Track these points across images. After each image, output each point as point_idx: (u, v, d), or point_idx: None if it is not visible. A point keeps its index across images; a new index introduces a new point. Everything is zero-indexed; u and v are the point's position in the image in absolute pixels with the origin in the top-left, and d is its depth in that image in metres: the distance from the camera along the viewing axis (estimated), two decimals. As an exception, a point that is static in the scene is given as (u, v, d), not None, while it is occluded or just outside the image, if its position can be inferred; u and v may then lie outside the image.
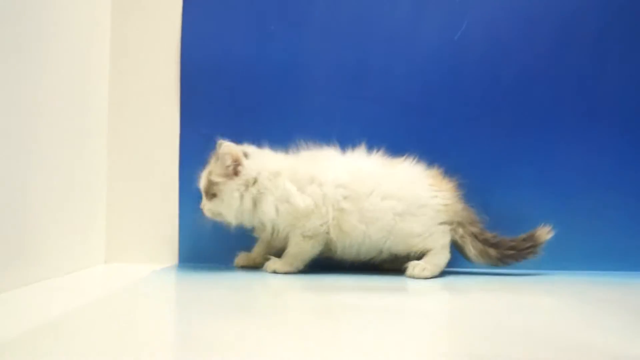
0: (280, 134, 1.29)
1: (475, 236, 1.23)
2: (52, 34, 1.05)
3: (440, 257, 1.20)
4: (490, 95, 1.38)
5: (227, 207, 1.19)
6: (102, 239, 1.33)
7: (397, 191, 1.20)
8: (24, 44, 0.94)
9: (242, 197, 1.19)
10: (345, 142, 1.28)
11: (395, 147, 1.29)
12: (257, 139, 1.27)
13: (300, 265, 1.21)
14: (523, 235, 1.24)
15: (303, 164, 1.22)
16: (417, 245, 1.20)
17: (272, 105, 1.36)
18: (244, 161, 1.19)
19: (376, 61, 1.37)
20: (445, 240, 1.21)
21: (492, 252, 1.22)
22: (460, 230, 1.23)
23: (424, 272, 1.17)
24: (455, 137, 1.37)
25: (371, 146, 1.27)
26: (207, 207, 1.20)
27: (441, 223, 1.22)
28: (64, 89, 1.11)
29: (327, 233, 1.20)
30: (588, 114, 1.37)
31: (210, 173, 1.20)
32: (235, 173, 1.19)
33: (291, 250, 1.21)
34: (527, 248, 1.23)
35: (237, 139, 1.23)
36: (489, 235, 1.24)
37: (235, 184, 1.18)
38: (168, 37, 1.37)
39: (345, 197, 1.19)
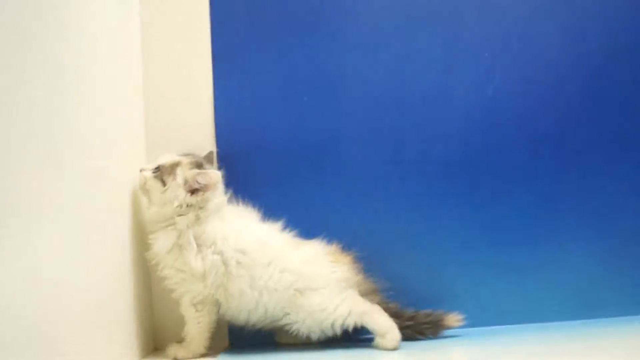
0: (321, 200, 1.32)
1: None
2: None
3: (380, 316, 1.19)
4: (526, 145, 1.37)
5: (160, 198, 1.17)
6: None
7: (296, 267, 1.19)
8: None
9: (177, 207, 1.16)
10: (388, 205, 1.29)
11: (437, 204, 1.32)
12: (298, 208, 1.29)
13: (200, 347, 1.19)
14: (427, 311, 1.24)
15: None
16: (327, 319, 1.18)
17: (312, 173, 1.35)
18: (211, 196, 1.18)
19: (412, 122, 1.36)
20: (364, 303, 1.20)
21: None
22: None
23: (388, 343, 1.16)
24: (494, 190, 1.36)
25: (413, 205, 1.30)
26: (148, 175, 1.18)
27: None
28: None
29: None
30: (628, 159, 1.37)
31: (182, 168, 1.18)
32: (193, 192, 1.17)
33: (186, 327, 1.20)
34: (427, 324, 1.23)
35: (279, 209, 1.24)
36: (391, 305, 1.24)
37: (185, 197, 1.16)
38: (202, 111, 1.37)
39: (238, 263, 1.17)
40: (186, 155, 1.22)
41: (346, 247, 1.26)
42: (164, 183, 1.17)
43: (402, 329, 1.19)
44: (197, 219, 1.17)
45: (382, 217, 1.34)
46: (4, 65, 0.69)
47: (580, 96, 1.37)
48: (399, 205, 1.34)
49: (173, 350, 1.19)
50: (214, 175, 1.18)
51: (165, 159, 1.20)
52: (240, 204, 1.25)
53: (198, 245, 1.16)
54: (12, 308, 0.67)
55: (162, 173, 1.18)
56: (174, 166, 1.19)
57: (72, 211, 0.88)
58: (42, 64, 0.80)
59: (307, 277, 1.18)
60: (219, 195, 1.21)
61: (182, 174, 1.18)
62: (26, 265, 0.71)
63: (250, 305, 1.17)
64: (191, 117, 1.36)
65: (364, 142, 1.36)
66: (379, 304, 1.21)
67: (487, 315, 1.32)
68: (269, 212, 1.25)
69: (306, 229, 1.26)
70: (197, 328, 1.18)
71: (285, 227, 1.24)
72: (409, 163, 1.35)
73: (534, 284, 1.33)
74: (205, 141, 1.35)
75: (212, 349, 1.21)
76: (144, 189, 1.19)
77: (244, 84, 1.36)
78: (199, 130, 1.36)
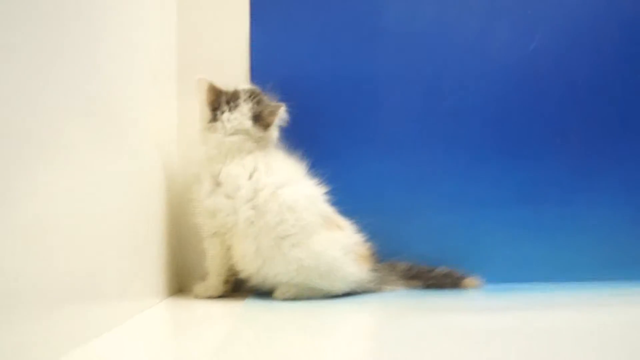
0: (357, 151, 1.29)
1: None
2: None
3: None
4: (564, 103, 1.35)
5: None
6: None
7: (317, 251, 1.12)
8: None
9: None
10: (420, 159, 1.28)
11: (473, 161, 1.31)
12: (334, 157, 1.26)
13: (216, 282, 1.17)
14: (446, 271, 1.25)
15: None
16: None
17: (348, 122, 1.33)
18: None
19: (451, 73, 1.34)
20: None
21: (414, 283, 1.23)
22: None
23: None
24: (532, 145, 1.34)
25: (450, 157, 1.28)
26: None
27: None
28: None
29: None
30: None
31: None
32: (264, 125, 1.17)
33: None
34: (447, 282, 1.24)
35: (314, 158, 1.21)
36: (413, 267, 1.24)
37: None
38: (236, 58, 1.34)
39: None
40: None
41: (374, 194, 1.27)
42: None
43: (426, 284, 1.23)
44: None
45: (414, 167, 1.32)
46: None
47: (622, 55, 1.35)
48: (432, 157, 1.32)
49: (196, 287, 1.19)
50: (283, 110, 1.18)
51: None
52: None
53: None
54: (56, 252, 0.66)
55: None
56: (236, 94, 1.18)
57: (111, 157, 0.87)
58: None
59: (323, 264, 1.12)
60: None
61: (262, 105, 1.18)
62: (70, 211, 0.70)
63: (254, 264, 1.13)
64: (227, 58, 1.34)
65: (401, 90, 1.34)
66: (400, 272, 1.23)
67: (518, 272, 1.30)
68: (301, 152, 1.22)
69: (336, 173, 1.22)
70: (211, 263, 1.17)
71: (313, 172, 1.21)
72: (445, 115, 1.33)
73: (566, 243, 1.32)
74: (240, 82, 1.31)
75: (240, 293, 1.20)
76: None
77: (281, 25, 1.34)
78: (234, 70, 1.33)
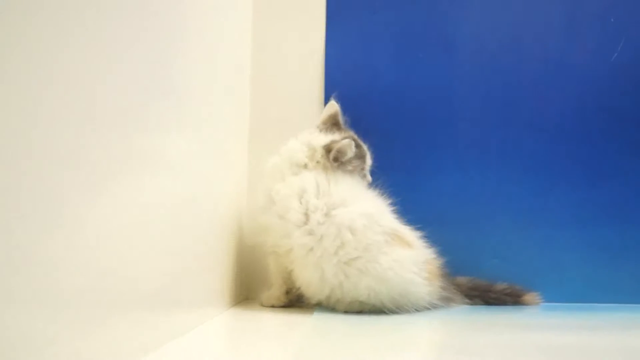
0: (432, 164, 1.27)
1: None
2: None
3: None
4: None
5: None
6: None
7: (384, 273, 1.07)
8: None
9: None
10: (501, 172, 1.25)
11: (551, 174, 1.27)
12: (407, 170, 1.24)
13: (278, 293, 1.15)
14: (507, 288, 1.22)
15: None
16: None
17: (422, 135, 1.31)
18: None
19: (528, 86, 1.30)
20: None
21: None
22: None
23: None
24: (613, 162, 1.28)
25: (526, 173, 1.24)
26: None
27: None
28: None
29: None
30: None
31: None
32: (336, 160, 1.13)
33: None
34: (508, 297, 1.22)
35: (386, 169, 1.20)
36: (478, 283, 1.22)
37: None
38: (312, 65, 1.35)
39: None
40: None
41: (448, 208, 1.25)
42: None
43: (487, 300, 1.21)
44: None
45: (491, 182, 1.29)
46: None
47: None
48: (509, 171, 1.29)
49: (261, 296, 1.20)
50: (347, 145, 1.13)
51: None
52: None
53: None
54: (122, 262, 0.65)
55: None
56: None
57: (192, 172, 0.88)
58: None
59: (395, 287, 1.07)
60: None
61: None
62: (136, 221, 0.69)
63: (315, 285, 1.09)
64: (301, 71, 1.35)
65: (477, 103, 1.31)
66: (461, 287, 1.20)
67: (595, 293, 1.25)
68: (373, 170, 1.21)
69: (412, 189, 1.22)
70: (272, 275, 1.16)
71: (388, 188, 1.18)
72: (522, 127, 1.30)
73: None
74: (313, 95, 1.34)
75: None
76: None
77: (357, 39, 1.34)
78: (307, 85, 1.34)
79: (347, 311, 1.09)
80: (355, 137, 1.18)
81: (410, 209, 1.17)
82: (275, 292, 1.17)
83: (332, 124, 1.18)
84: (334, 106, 1.20)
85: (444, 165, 1.29)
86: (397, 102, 1.32)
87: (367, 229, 1.06)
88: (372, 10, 1.32)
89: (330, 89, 1.29)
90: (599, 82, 1.29)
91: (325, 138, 1.15)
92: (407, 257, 1.09)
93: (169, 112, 0.79)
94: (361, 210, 1.08)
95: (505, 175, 1.28)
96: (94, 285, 0.57)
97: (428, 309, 1.13)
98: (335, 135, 1.16)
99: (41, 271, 0.48)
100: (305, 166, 1.13)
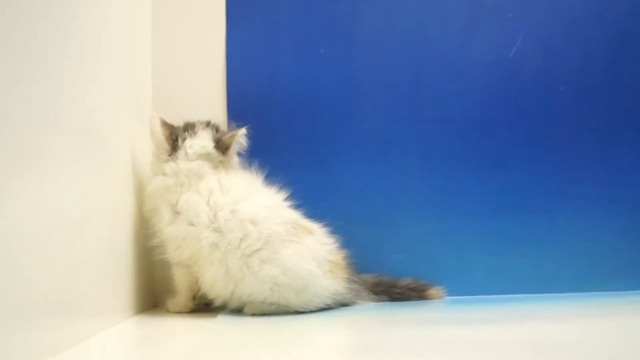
0: (335, 160, 1.27)
1: None
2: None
3: None
4: (547, 111, 1.32)
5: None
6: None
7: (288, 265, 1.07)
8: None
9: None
10: (403, 165, 1.25)
11: (454, 167, 1.28)
12: (311, 164, 1.24)
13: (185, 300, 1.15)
14: (410, 282, 1.23)
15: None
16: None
17: (326, 129, 1.31)
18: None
19: (430, 80, 1.32)
20: None
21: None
22: None
23: None
24: (513, 154, 1.31)
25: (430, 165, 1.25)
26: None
27: None
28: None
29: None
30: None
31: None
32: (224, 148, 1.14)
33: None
34: (412, 292, 1.23)
35: (290, 165, 1.20)
36: (383, 280, 1.23)
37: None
38: (213, 67, 1.33)
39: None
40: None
41: (352, 204, 1.26)
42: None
43: (392, 296, 1.22)
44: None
45: (395, 176, 1.29)
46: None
47: (603, 61, 1.33)
48: (413, 165, 1.30)
49: (167, 303, 1.18)
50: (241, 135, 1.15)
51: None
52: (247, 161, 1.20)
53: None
54: (25, 265, 0.65)
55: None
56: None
57: (87, 174, 0.87)
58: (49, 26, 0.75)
59: (298, 279, 1.07)
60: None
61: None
62: (46, 224, 0.70)
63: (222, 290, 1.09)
64: (202, 70, 1.33)
65: (380, 99, 1.32)
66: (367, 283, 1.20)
67: (499, 284, 1.28)
68: (277, 167, 1.18)
69: (316, 185, 1.22)
70: (178, 284, 1.15)
71: (292, 185, 1.17)
72: (425, 121, 1.31)
73: (545, 254, 1.29)
74: (216, 95, 1.31)
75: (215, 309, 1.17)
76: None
77: (258, 36, 1.32)
78: (209, 84, 1.32)
79: (254, 314, 1.08)
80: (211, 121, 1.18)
81: (315, 206, 1.17)
82: (181, 298, 1.16)
83: (172, 131, 1.15)
84: (154, 117, 1.15)
85: (347, 160, 1.29)
86: (300, 99, 1.31)
87: (268, 220, 1.08)
88: (272, 7, 1.31)
89: (233, 89, 1.28)
90: (499, 75, 1.32)
91: (202, 139, 1.14)
92: (309, 248, 1.10)
93: (69, 123, 0.79)
94: (261, 202, 1.10)
95: (408, 169, 1.29)
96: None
97: (335, 304, 1.13)
98: (202, 132, 1.15)
99: None
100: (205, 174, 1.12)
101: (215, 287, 1.09)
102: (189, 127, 1.16)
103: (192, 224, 1.09)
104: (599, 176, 1.31)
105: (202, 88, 1.33)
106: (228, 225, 1.07)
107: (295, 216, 1.14)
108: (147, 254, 1.20)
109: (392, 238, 1.27)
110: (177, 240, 1.10)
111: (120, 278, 1.06)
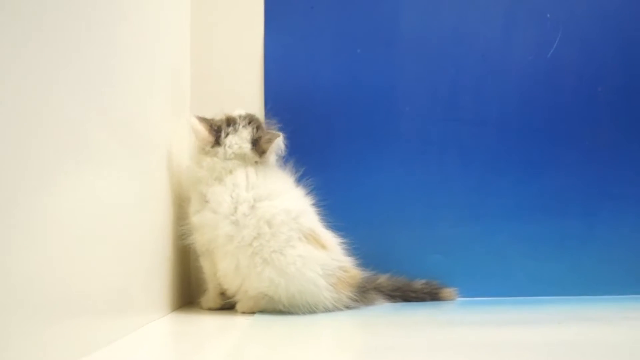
0: (373, 160, 1.27)
1: None
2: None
3: None
4: (587, 112, 1.30)
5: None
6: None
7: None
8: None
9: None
10: (441, 166, 1.25)
11: (492, 169, 1.28)
12: (347, 164, 1.24)
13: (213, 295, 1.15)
14: (424, 283, 1.23)
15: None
16: None
17: (363, 129, 1.30)
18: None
19: (468, 81, 1.31)
20: None
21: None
22: None
23: None
24: (552, 156, 1.29)
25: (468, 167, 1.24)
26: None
27: None
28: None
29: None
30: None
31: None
32: (261, 151, 1.13)
33: None
34: (426, 294, 1.23)
35: (327, 165, 1.21)
36: (398, 280, 1.22)
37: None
38: (251, 66, 1.34)
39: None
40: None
41: (390, 204, 1.25)
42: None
43: (408, 298, 1.21)
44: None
45: (433, 177, 1.29)
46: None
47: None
48: (451, 166, 1.29)
49: (200, 300, 1.19)
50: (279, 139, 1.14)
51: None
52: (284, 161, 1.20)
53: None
54: (62, 262, 0.64)
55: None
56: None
57: (123, 171, 0.86)
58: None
59: (295, 284, 1.06)
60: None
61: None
62: (83, 222, 0.69)
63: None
64: (240, 70, 1.33)
65: (418, 99, 1.31)
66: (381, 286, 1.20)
67: (539, 286, 1.26)
68: (314, 167, 1.18)
69: (354, 184, 1.21)
70: (206, 277, 1.16)
71: (329, 184, 1.17)
72: (463, 122, 1.30)
73: (586, 256, 1.27)
74: (253, 95, 1.32)
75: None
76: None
77: (296, 36, 1.33)
78: (247, 84, 1.33)
79: (244, 312, 1.10)
80: (254, 116, 1.18)
81: (352, 205, 1.17)
82: (210, 294, 1.17)
83: (212, 125, 1.14)
84: (192, 117, 1.15)
85: (384, 160, 1.28)
86: (337, 98, 1.31)
87: (284, 224, 1.07)
88: (310, 6, 1.31)
89: (270, 89, 1.29)
90: (537, 76, 1.31)
91: (240, 138, 1.13)
92: (315, 257, 1.08)
93: (114, 120, 0.80)
94: (284, 205, 1.09)
95: (446, 170, 1.29)
96: (31, 289, 0.57)
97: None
98: (242, 130, 1.14)
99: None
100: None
101: (227, 279, 1.10)
102: (231, 122, 1.15)
103: (214, 212, 1.10)
104: (636, 176, 1.29)
105: (240, 88, 1.33)
106: (245, 220, 1.07)
107: (314, 226, 1.12)
108: (184, 252, 1.21)
109: (429, 238, 1.26)
110: (200, 227, 1.12)
111: (159, 275, 1.07)
